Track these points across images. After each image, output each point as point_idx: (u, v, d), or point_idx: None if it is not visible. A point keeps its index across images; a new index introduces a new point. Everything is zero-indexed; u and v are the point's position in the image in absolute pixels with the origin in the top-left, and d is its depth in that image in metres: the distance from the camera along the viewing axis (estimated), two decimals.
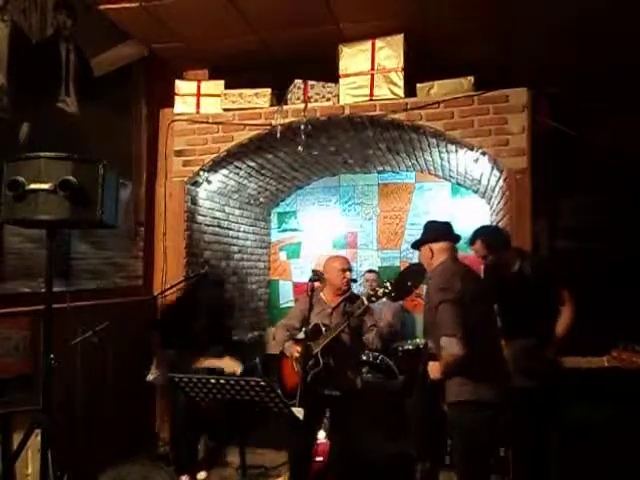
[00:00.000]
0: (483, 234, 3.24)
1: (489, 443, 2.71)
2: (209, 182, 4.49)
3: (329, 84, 4.04)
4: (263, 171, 5.01)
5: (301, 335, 3.45)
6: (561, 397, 2.99)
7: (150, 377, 3.75)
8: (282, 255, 6.20)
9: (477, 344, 2.46)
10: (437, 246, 2.75)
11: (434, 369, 2.64)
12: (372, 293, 3.24)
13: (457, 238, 2.84)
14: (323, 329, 3.23)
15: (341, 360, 3.23)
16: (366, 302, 3.22)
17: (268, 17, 3.74)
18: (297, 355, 3.26)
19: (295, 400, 2.90)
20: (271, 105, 4.13)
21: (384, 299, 4.85)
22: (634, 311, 4.12)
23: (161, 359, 3.73)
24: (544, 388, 2.88)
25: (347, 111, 3.97)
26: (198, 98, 4.31)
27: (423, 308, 2.91)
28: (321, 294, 3.47)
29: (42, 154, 2.23)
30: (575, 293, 3.04)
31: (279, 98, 4.15)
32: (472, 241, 3.26)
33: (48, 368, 2.35)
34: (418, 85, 3.88)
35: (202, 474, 3.73)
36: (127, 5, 3.59)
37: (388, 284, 3.24)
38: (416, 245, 2.89)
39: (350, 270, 3.42)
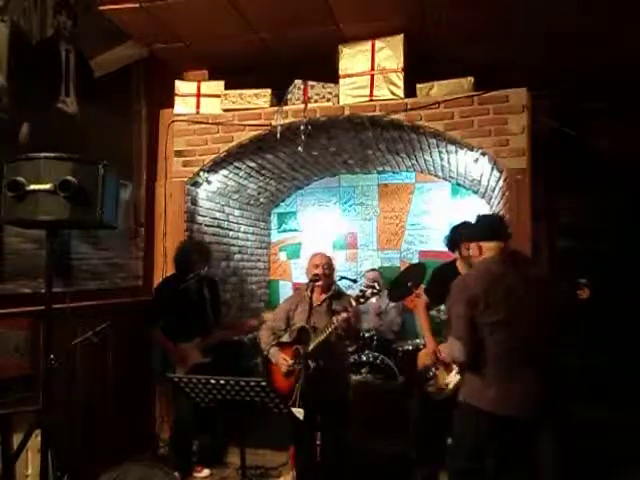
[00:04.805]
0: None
1: None
2: (209, 182, 4.49)
3: (329, 84, 4.04)
4: (263, 171, 5.01)
5: (286, 338, 3.43)
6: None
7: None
8: (282, 255, 6.20)
9: None
10: (473, 245, 2.60)
11: None
12: (360, 295, 3.14)
13: (496, 234, 2.55)
14: (310, 331, 3.16)
15: (330, 362, 3.19)
16: (354, 303, 3.15)
17: (268, 17, 3.74)
18: (285, 363, 3.24)
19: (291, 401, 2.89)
20: (271, 105, 4.13)
21: (389, 302, 4.93)
22: (635, 310, 4.12)
23: (176, 351, 3.65)
24: None
25: (347, 111, 3.97)
26: (198, 98, 4.30)
27: None
28: (307, 292, 3.44)
29: (42, 154, 2.24)
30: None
31: (279, 98, 4.15)
32: None
33: (48, 368, 2.35)
34: (418, 85, 3.88)
35: (206, 471, 3.75)
36: (127, 6, 3.59)
37: (376, 284, 3.19)
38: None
39: (323, 266, 3.34)
